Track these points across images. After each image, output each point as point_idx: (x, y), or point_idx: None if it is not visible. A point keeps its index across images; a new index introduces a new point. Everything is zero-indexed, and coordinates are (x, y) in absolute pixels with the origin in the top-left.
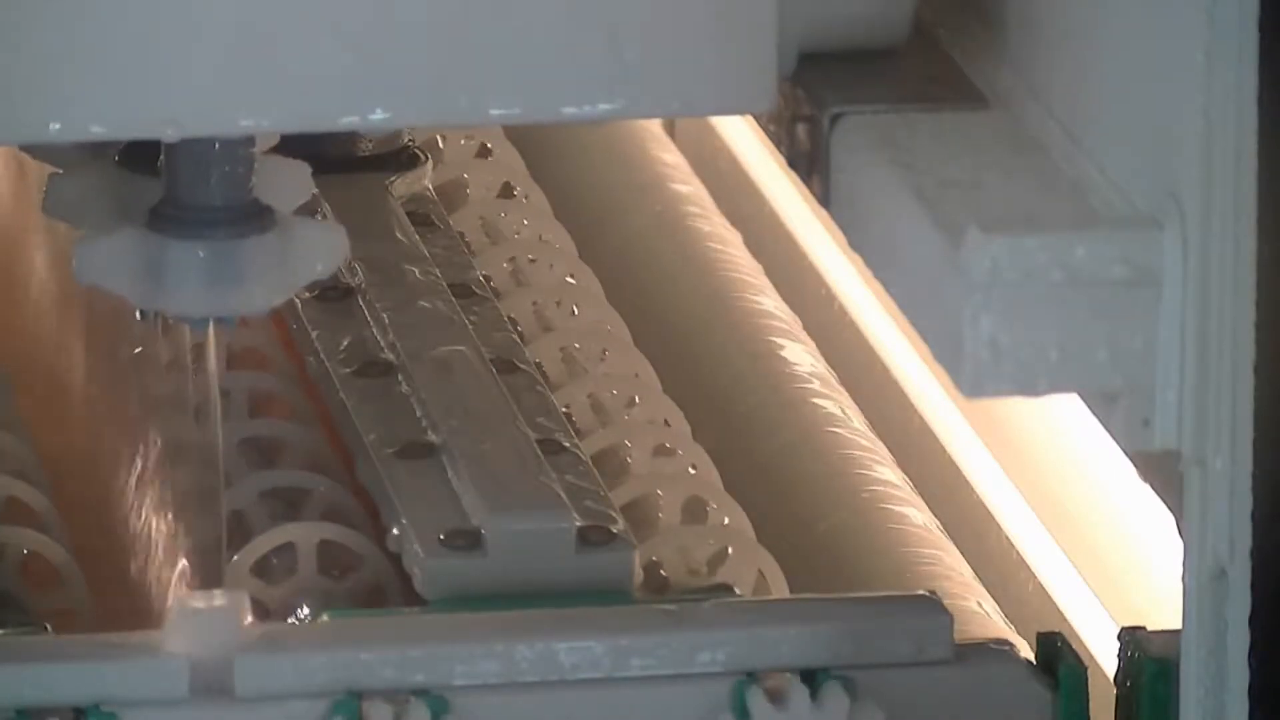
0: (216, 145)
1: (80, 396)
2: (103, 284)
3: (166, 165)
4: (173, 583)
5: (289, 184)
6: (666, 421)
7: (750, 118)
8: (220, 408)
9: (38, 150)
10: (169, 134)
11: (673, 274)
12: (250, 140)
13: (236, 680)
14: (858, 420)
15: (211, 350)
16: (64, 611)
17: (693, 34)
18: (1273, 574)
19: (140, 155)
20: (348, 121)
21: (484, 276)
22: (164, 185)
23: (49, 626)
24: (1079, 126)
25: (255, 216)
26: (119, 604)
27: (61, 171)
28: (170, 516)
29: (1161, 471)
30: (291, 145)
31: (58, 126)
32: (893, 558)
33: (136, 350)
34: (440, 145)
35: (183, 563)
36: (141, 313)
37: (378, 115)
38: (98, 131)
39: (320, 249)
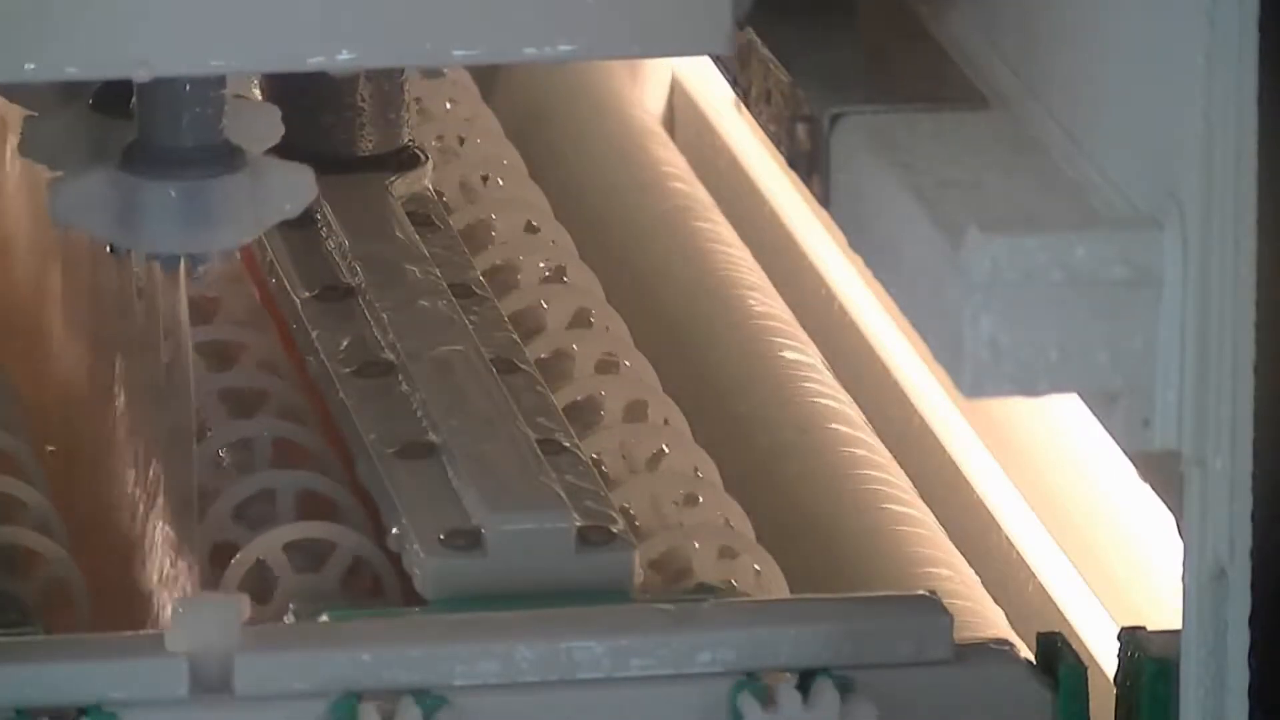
0: (187, 86)
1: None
2: (76, 223)
3: (139, 106)
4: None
5: (259, 125)
6: (666, 421)
7: (750, 118)
8: (190, 349)
9: (13, 92)
10: (141, 74)
11: (672, 274)
12: (221, 81)
13: (236, 680)
14: (858, 420)
15: (182, 292)
16: (64, 611)
17: None
18: (1273, 574)
19: (114, 98)
20: (315, 62)
21: (484, 275)
22: (137, 126)
23: (48, 627)
24: (1079, 127)
25: (226, 157)
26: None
27: (37, 114)
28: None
29: (1161, 471)
30: (294, 148)
31: (32, 66)
32: (893, 558)
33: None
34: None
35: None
36: (113, 249)
37: (344, 56)
38: (71, 72)
39: (289, 189)
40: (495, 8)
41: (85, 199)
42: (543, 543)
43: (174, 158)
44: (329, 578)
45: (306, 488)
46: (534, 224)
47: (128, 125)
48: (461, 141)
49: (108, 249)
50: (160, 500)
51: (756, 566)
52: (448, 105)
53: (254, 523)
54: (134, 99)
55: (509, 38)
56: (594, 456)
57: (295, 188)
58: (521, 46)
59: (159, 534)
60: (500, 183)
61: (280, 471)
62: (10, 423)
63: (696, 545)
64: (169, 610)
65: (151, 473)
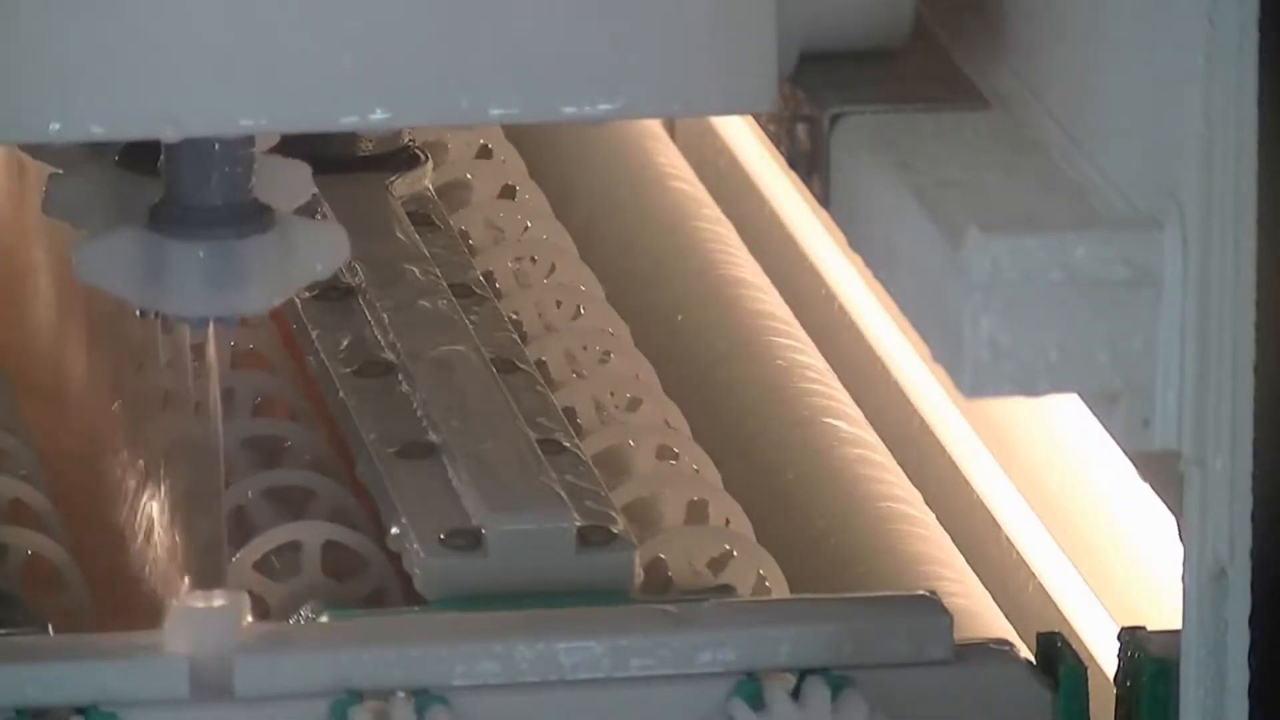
0: (216, 145)
1: (81, 396)
2: (102, 284)
3: (166, 165)
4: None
5: (289, 184)
6: (667, 422)
7: (750, 118)
8: (220, 406)
9: (38, 150)
10: (169, 134)
11: (672, 274)
12: (250, 140)
13: (236, 680)
14: (858, 419)
15: (212, 349)
16: (64, 611)
17: (693, 34)
18: (1273, 574)
19: (140, 155)
20: (348, 121)
21: (485, 275)
22: (164, 185)
23: (49, 627)
24: (1079, 127)
25: (255, 216)
26: (119, 604)
27: (61, 171)
28: (170, 516)
29: (1161, 471)
30: (292, 145)
31: (58, 126)
32: (892, 557)
33: (136, 348)
34: (448, 145)
35: (183, 562)
36: (141, 312)
37: (378, 115)
38: (98, 132)
39: (320, 249)
40: (534, 65)
41: (110, 259)
42: (543, 543)
43: (202, 217)
44: (345, 590)
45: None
46: (535, 222)
47: (154, 182)
48: (463, 142)
49: (136, 311)
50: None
51: (758, 568)
52: None
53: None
54: (161, 157)
55: (548, 96)
56: (602, 448)
57: (327, 247)
58: (561, 105)
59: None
60: (501, 184)
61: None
62: (10, 423)
63: (701, 544)
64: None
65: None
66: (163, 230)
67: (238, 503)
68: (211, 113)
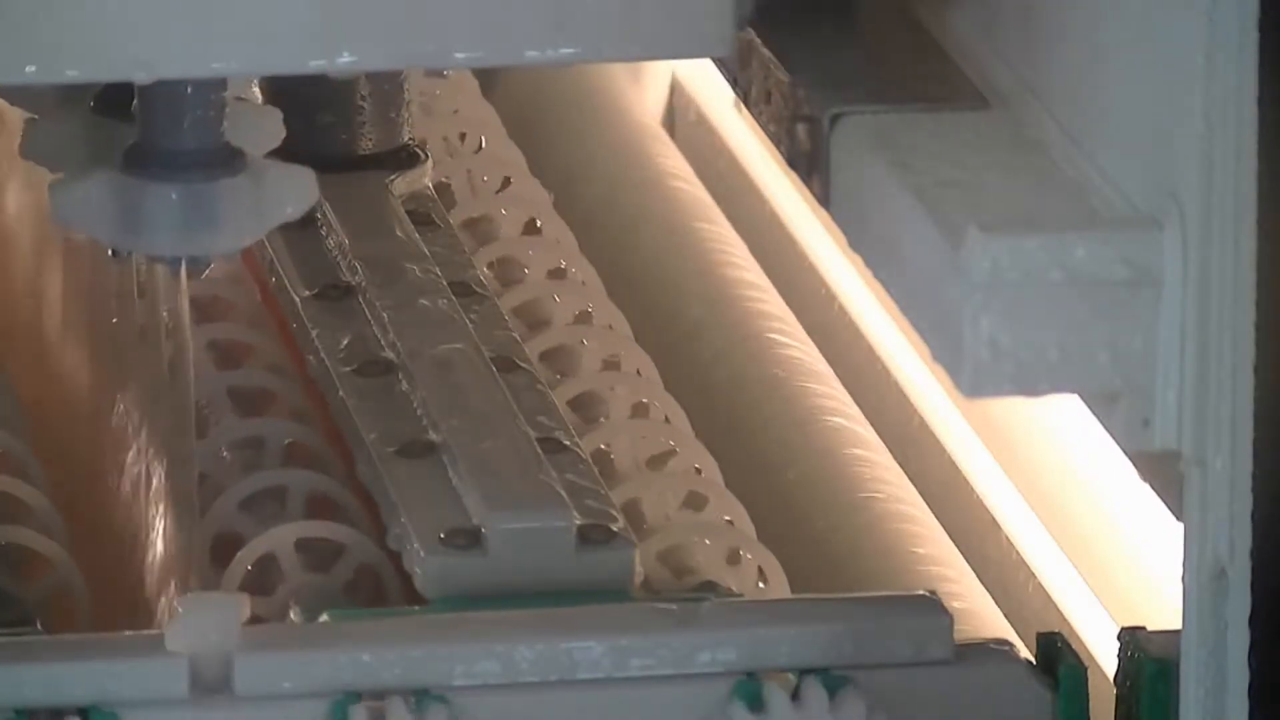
0: (188, 88)
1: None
2: (77, 226)
3: (140, 109)
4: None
5: (260, 128)
6: (668, 419)
7: (750, 118)
8: (192, 361)
9: (14, 94)
10: (141, 77)
11: (671, 273)
12: (222, 83)
13: (236, 680)
14: (857, 419)
15: (184, 294)
16: (64, 611)
17: None
18: (1273, 574)
19: (116, 101)
20: (316, 65)
21: (485, 270)
22: (138, 129)
23: (48, 626)
24: (1079, 127)
25: (227, 159)
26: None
27: (38, 116)
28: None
29: (1161, 471)
30: (294, 146)
31: (33, 69)
32: (893, 558)
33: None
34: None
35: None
36: (114, 252)
37: (345, 59)
38: (72, 75)
39: (290, 191)
40: (496, 10)
41: (86, 201)
42: (543, 541)
43: (175, 160)
44: (335, 580)
45: (316, 489)
46: (536, 221)
47: (129, 127)
48: (463, 139)
49: (109, 252)
50: (161, 498)
51: (759, 565)
52: (451, 104)
53: (261, 517)
54: (135, 101)
55: (510, 40)
56: (603, 446)
57: (297, 190)
58: (523, 49)
59: (159, 532)
60: (501, 180)
61: (291, 470)
62: (11, 423)
63: (703, 543)
64: (169, 610)
65: (152, 470)
66: (137, 173)
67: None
68: (183, 56)
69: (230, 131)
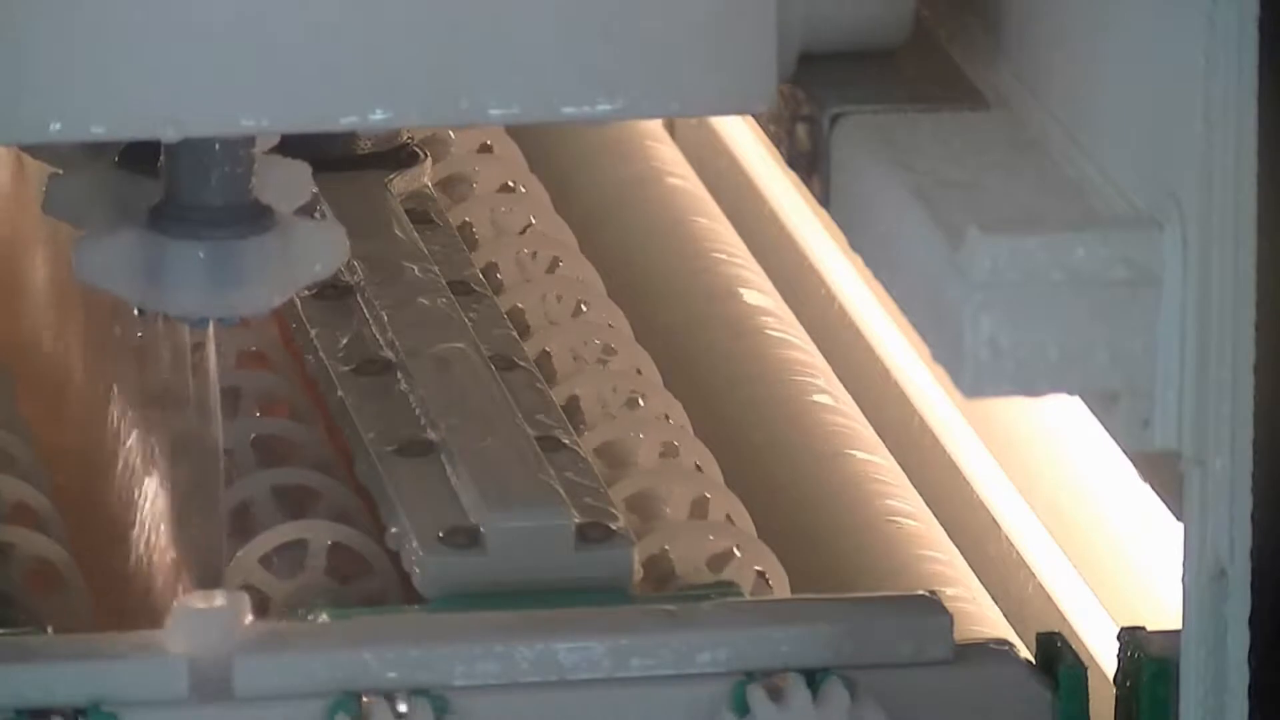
0: (217, 145)
1: (80, 394)
2: (102, 284)
3: (166, 165)
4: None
5: (289, 184)
6: (668, 417)
7: (750, 118)
8: (220, 405)
9: (38, 150)
10: (169, 134)
11: (671, 273)
12: (250, 140)
13: (236, 680)
14: (857, 418)
15: (211, 349)
16: (64, 611)
17: (692, 34)
18: (1273, 574)
19: (140, 155)
20: (348, 121)
21: (485, 269)
22: (164, 185)
23: (49, 627)
24: (1079, 127)
25: (255, 217)
26: (119, 604)
27: (61, 171)
28: (170, 515)
29: (1161, 471)
30: (290, 142)
31: (58, 126)
32: (893, 558)
33: (135, 346)
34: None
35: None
36: (140, 310)
37: (378, 115)
38: (98, 132)
39: (320, 249)
40: (533, 65)
41: (110, 259)
42: (542, 540)
43: (202, 217)
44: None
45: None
46: (535, 220)
47: (154, 182)
48: (463, 138)
49: (135, 310)
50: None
51: (759, 565)
52: None
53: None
54: (161, 157)
55: (547, 96)
56: (604, 443)
57: (327, 247)
58: (560, 106)
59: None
60: (501, 179)
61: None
62: (10, 423)
63: (702, 541)
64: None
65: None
66: (163, 230)
67: (240, 500)
68: (212, 113)
69: (258, 188)
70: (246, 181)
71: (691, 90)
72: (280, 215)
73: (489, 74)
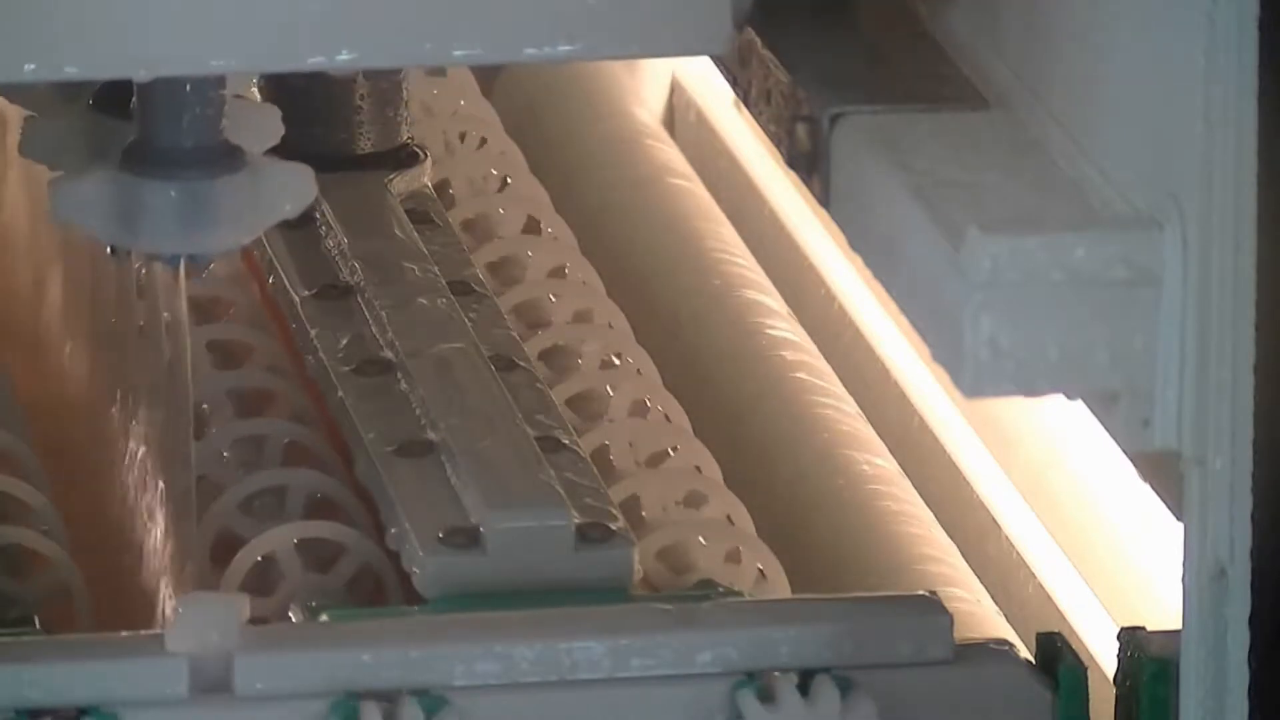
0: (187, 86)
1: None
2: (77, 223)
3: (139, 106)
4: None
5: (259, 126)
6: (668, 417)
7: (750, 118)
8: (189, 352)
9: (13, 92)
10: (140, 74)
11: (671, 273)
12: (220, 81)
13: (236, 680)
14: (857, 418)
15: (182, 291)
16: (64, 611)
17: None
18: (1273, 574)
19: (115, 98)
20: (315, 62)
21: (485, 269)
22: (136, 126)
23: (48, 627)
24: (1079, 127)
25: (226, 157)
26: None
27: (37, 114)
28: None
29: (1161, 471)
30: (292, 145)
31: (32, 67)
32: (893, 558)
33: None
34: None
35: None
36: (113, 250)
37: (344, 56)
38: (71, 72)
39: (289, 189)
40: (495, 8)
41: (85, 199)
42: (542, 540)
43: (174, 158)
44: (335, 580)
45: (317, 489)
46: (536, 219)
47: (128, 125)
48: (462, 138)
49: (108, 250)
50: (160, 498)
51: (759, 565)
52: (455, 102)
53: (260, 517)
54: (134, 99)
55: (509, 38)
56: (605, 444)
57: (295, 188)
58: (522, 47)
59: (159, 532)
60: (501, 178)
61: (291, 470)
62: (10, 423)
63: (702, 542)
64: (169, 610)
65: (151, 470)
66: (136, 171)
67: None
68: (182, 53)
69: (229, 129)
70: (217, 122)
71: (650, 31)
72: (250, 156)
73: (452, 16)
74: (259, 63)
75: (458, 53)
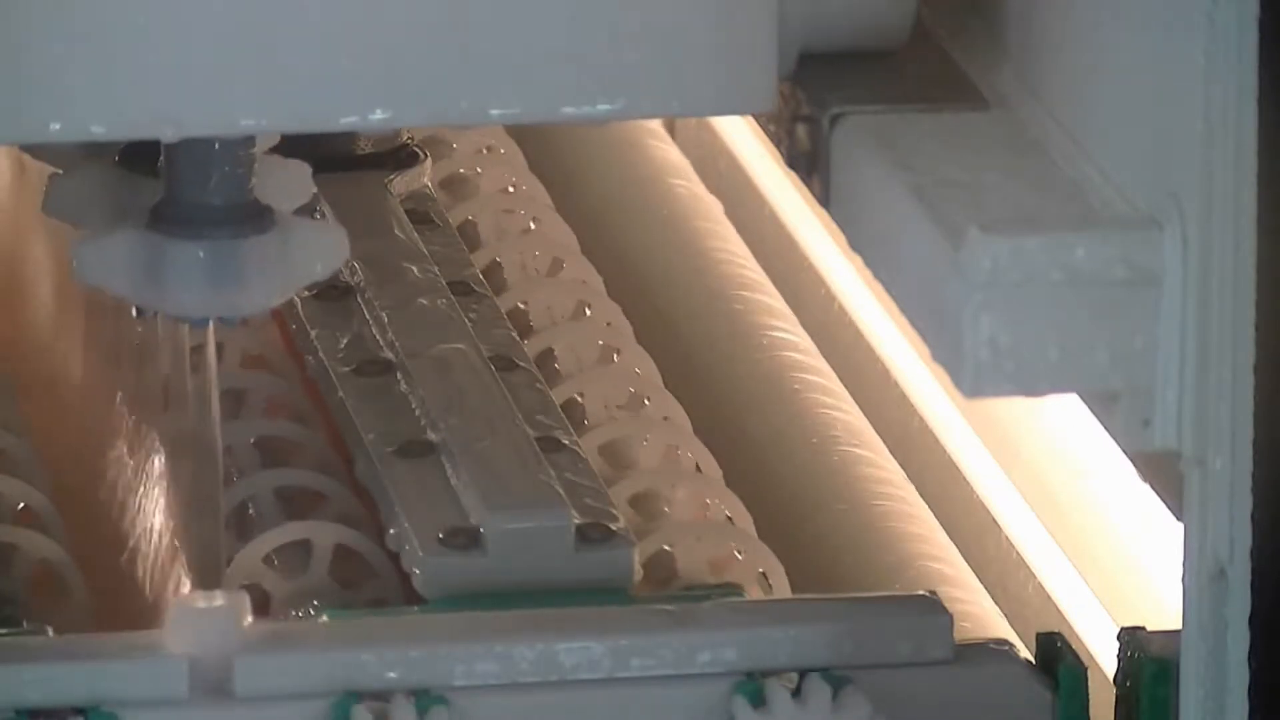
0: (216, 145)
1: (80, 395)
2: (102, 284)
3: (166, 165)
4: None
5: (289, 184)
6: (667, 417)
7: (750, 118)
8: (219, 406)
9: (38, 150)
10: (168, 134)
11: (672, 272)
12: (250, 140)
13: (236, 680)
14: (857, 418)
15: (211, 349)
16: (64, 611)
17: (692, 34)
18: (1273, 574)
19: (140, 155)
20: (348, 122)
21: (487, 268)
22: (164, 185)
23: (49, 627)
24: (1079, 127)
25: (255, 216)
26: (119, 604)
27: (61, 171)
28: (170, 516)
29: (1161, 471)
30: (290, 142)
31: (58, 126)
32: (893, 558)
33: (136, 345)
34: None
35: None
36: (139, 311)
37: (377, 115)
38: (98, 131)
39: (320, 249)
40: (533, 65)
41: (110, 259)
42: (542, 541)
43: (202, 217)
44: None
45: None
46: (536, 220)
47: (154, 182)
48: (463, 138)
49: (134, 311)
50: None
51: (759, 566)
52: None
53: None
54: (161, 157)
55: (548, 96)
56: (605, 443)
57: (327, 248)
58: (560, 106)
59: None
60: (501, 178)
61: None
62: (9, 422)
63: (702, 542)
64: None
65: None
66: (163, 230)
67: (240, 500)
68: (211, 113)
69: (258, 188)
70: (246, 181)
71: (691, 90)
72: (280, 215)
73: (489, 74)
74: (289, 123)
75: (494, 112)
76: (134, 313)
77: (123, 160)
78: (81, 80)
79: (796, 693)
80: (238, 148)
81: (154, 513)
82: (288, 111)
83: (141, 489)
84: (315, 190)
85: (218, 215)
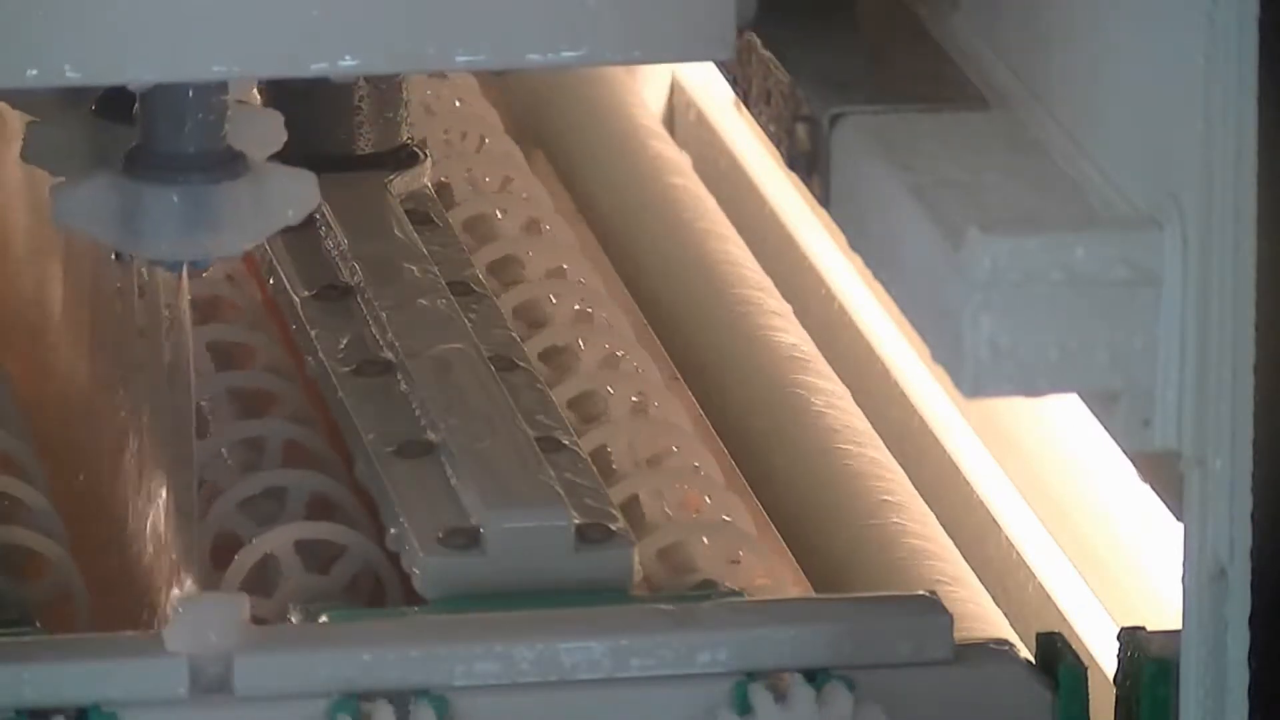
0: (189, 92)
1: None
2: (79, 227)
3: (141, 112)
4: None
5: (262, 132)
6: (667, 418)
7: (750, 118)
8: (191, 358)
9: (15, 98)
10: (143, 79)
11: (672, 273)
12: (223, 87)
13: (236, 680)
14: (857, 418)
15: (185, 300)
16: (64, 611)
17: None
18: (1273, 574)
19: (117, 104)
20: (318, 68)
21: (485, 269)
22: (139, 132)
23: (48, 627)
24: (1079, 127)
25: (228, 162)
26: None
27: (40, 120)
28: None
29: (1161, 471)
30: (292, 146)
31: (34, 73)
32: (892, 557)
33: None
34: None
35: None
36: (117, 255)
37: (347, 62)
38: (73, 77)
39: (293, 195)
40: (499, 14)
41: (88, 204)
42: (541, 541)
43: (176, 163)
44: (335, 581)
45: (316, 489)
46: (537, 220)
47: (131, 131)
48: (463, 137)
49: (111, 254)
50: (161, 499)
51: (759, 565)
52: (453, 103)
53: (260, 519)
54: (137, 105)
55: (513, 43)
56: (604, 443)
57: (299, 194)
58: (525, 52)
59: (159, 532)
60: (502, 179)
61: (290, 471)
62: (9, 422)
63: (702, 542)
64: (169, 610)
65: (151, 470)
66: (138, 175)
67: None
68: (184, 59)
69: (232, 135)
70: (219, 128)
71: (653, 37)
72: (253, 161)
73: (456, 21)
74: (261, 69)
75: (461, 58)
76: (112, 256)
77: (100, 109)
78: (57, 27)
79: (783, 697)
80: (210, 94)
81: (136, 469)
82: (258, 58)
83: (127, 447)
84: (285, 137)
85: (192, 161)
